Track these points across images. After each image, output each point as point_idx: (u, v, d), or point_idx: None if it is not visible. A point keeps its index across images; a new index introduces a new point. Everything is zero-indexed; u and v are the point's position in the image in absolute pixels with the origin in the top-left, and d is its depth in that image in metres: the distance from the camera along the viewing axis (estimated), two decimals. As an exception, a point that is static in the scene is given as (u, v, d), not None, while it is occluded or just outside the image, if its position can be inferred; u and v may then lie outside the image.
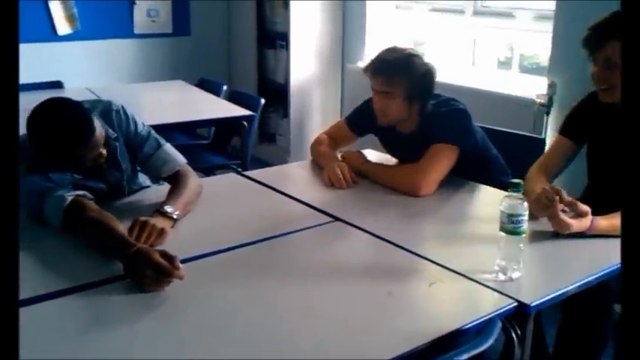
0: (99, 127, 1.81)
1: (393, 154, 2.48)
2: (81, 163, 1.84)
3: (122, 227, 1.69)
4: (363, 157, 2.38)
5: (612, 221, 1.77)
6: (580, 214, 1.76)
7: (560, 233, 1.77)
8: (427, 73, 2.20)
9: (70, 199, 1.78)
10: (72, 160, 1.81)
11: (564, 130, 2.15)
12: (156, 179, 2.18)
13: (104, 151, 1.85)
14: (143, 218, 1.75)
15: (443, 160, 2.17)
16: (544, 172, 2.08)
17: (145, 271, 1.48)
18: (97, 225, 1.71)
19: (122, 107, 2.03)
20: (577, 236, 1.77)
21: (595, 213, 1.78)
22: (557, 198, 1.74)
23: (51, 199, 1.79)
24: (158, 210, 1.82)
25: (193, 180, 2.04)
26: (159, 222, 1.75)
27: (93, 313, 1.42)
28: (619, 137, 1.97)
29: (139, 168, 2.15)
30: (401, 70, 2.17)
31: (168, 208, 1.83)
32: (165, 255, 1.51)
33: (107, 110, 1.99)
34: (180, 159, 2.09)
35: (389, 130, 2.33)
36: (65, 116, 1.76)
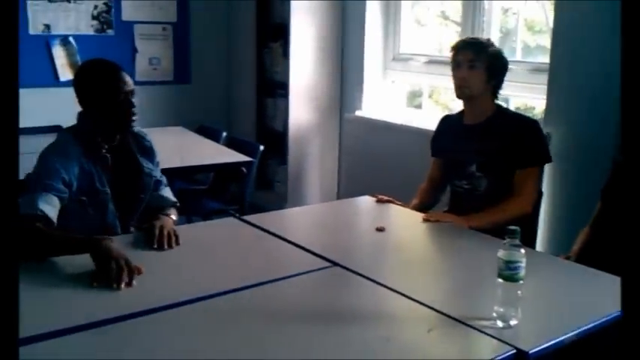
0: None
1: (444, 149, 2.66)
2: (120, 102, 2.12)
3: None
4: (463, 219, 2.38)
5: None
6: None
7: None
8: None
9: (34, 212, 1.85)
10: (112, 91, 2.08)
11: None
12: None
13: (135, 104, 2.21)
14: (158, 224, 2.02)
15: (536, 181, 2.48)
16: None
17: (120, 262, 1.69)
18: (55, 235, 1.86)
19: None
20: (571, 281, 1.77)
21: None
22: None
23: (27, 197, 1.88)
24: (163, 213, 2.14)
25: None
26: (168, 225, 2.04)
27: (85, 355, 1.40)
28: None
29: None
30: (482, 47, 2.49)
31: (168, 211, 2.18)
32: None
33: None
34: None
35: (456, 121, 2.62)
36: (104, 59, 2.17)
